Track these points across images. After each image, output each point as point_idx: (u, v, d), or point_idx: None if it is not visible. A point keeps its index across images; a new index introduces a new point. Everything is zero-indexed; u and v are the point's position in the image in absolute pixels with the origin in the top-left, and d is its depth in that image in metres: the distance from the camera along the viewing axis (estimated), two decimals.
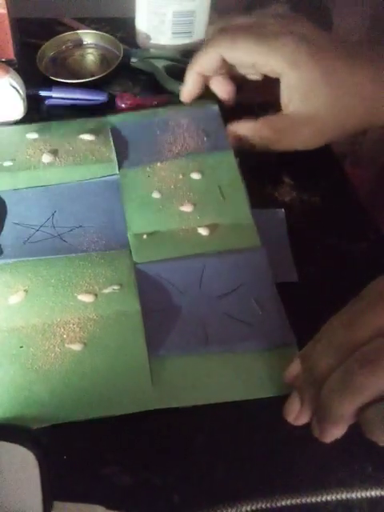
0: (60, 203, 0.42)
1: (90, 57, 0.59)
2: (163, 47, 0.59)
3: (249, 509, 0.29)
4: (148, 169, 0.44)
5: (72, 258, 0.38)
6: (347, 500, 0.29)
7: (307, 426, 0.32)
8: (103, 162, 0.44)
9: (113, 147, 0.45)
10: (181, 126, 0.48)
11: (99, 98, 0.53)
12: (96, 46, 0.59)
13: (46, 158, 0.44)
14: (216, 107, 0.49)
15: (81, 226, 0.41)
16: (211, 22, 0.57)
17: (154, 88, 0.56)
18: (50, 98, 0.53)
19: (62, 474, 0.29)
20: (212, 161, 0.45)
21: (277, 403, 0.33)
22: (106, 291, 0.36)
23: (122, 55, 0.56)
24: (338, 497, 0.29)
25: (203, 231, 0.40)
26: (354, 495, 0.29)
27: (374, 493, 0.29)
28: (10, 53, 0.55)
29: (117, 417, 0.32)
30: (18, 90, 0.47)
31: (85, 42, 0.59)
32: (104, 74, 0.55)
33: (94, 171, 0.44)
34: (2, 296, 0.36)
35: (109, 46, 0.59)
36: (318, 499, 0.29)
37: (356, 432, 0.32)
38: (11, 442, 0.28)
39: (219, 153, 0.45)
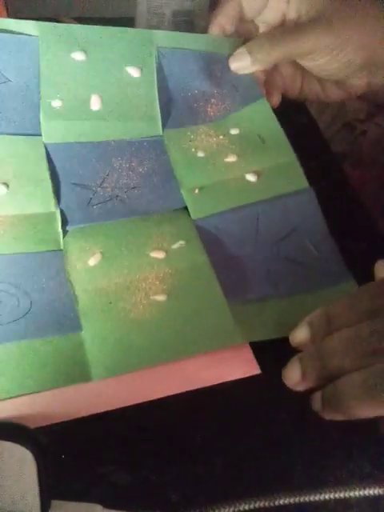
0: (111, 162, 0.42)
1: None
2: None
3: (247, 507, 0.28)
4: (189, 133, 0.45)
5: (136, 219, 0.40)
6: (346, 498, 0.29)
7: (307, 425, 0.32)
8: (148, 120, 0.44)
9: (157, 98, 0.44)
10: (215, 74, 0.46)
11: None
12: None
13: (95, 105, 0.42)
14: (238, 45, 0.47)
15: (135, 188, 0.41)
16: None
17: None
18: None
19: (60, 473, 0.29)
20: (247, 114, 0.46)
21: (276, 402, 0.33)
22: (174, 247, 0.38)
23: None
24: (337, 495, 0.29)
25: (251, 177, 0.42)
26: (352, 494, 0.29)
27: (372, 491, 0.29)
28: None
29: (115, 416, 0.32)
30: None
31: None
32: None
33: (140, 130, 0.44)
34: (81, 259, 0.37)
35: None
36: (317, 498, 0.29)
37: (355, 431, 0.32)
38: (9, 440, 0.28)
39: (253, 104, 0.46)
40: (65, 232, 0.38)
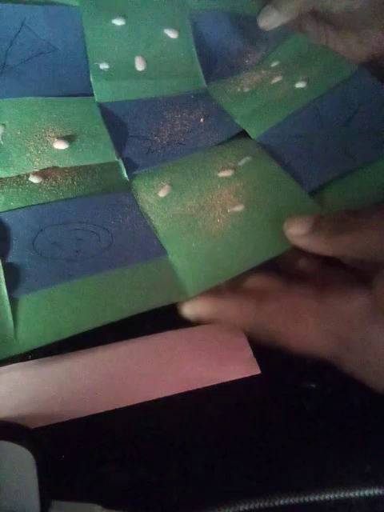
0: (163, 115, 0.44)
1: None
2: None
3: (247, 508, 0.28)
4: (231, 81, 0.47)
5: (199, 153, 0.41)
6: (346, 499, 0.29)
7: (307, 425, 0.32)
8: (191, 76, 0.46)
9: (196, 54, 0.46)
10: (247, 32, 0.49)
11: None
12: None
13: (139, 65, 0.44)
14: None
15: (190, 131, 0.43)
16: None
17: None
18: None
19: (60, 473, 0.29)
20: (283, 48, 0.48)
21: (276, 402, 0.33)
22: (241, 163, 0.39)
23: None
24: (338, 496, 0.29)
25: (301, 84, 0.43)
26: (353, 494, 0.29)
27: (373, 492, 0.29)
28: None
29: (115, 416, 0.32)
30: None
31: None
32: None
33: (184, 86, 0.46)
34: (152, 193, 0.38)
35: None
36: (317, 498, 0.29)
37: (355, 431, 0.32)
38: (9, 440, 0.28)
39: (287, 40, 0.48)
40: (130, 177, 0.40)
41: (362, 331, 0.27)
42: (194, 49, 0.46)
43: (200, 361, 0.34)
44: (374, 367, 0.28)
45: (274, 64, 0.47)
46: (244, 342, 0.35)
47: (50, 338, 0.31)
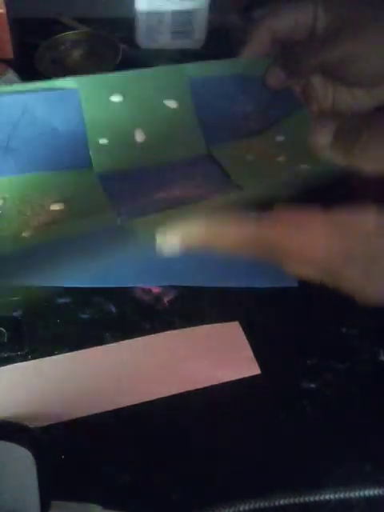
0: (164, 175, 0.44)
1: (89, 56, 0.59)
2: (162, 47, 0.59)
3: (248, 507, 0.28)
4: (234, 146, 0.46)
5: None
6: (346, 499, 0.29)
7: (307, 425, 0.32)
8: (192, 142, 0.45)
9: (198, 126, 0.46)
10: (251, 94, 0.48)
11: None
12: (95, 46, 0.59)
13: (139, 137, 0.44)
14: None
15: (192, 189, 0.42)
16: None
17: None
18: None
19: (60, 473, 0.29)
20: (290, 122, 0.46)
21: (276, 402, 0.33)
22: None
23: (121, 55, 0.56)
24: (337, 496, 0.29)
25: (304, 166, 0.42)
26: (352, 494, 0.29)
27: (372, 492, 0.29)
28: (8, 52, 0.55)
29: (115, 416, 0.32)
30: None
31: (84, 42, 0.59)
32: (103, 73, 0.55)
33: (186, 151, 0.45)
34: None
35: (108, 46, 0.59)
36: (317, 498, 0.29)
37: (355, 431, 0.32)
38: (9, 441, 0.28)
39: (294, 114, 0.47)
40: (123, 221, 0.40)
41: (367, 244, 0.27)
42: (194, 116, 0.46)
43: (200, 361, 0.34)
44: (375, 280, 0.28)
45: (279, 138, 0.46)
46: (244, 342, 0.35)
47: None
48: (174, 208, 0.39)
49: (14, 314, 0.37)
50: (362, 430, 0.32)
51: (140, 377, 0.33)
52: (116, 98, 0.45)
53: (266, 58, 0.48)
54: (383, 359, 0.35)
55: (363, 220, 0.27)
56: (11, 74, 0.47)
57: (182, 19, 0.58)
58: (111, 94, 0.45)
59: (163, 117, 0.46)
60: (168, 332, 0.36)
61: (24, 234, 0.38)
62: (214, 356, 0.35)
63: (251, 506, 0.29)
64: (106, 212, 0.39)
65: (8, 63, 0.52)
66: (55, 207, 0.40)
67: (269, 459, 0.31)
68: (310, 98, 0.49)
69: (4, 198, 0.41)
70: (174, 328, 0.36)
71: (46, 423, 0.31)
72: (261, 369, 0.34)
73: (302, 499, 0.29)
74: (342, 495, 0.29)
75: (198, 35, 0.60)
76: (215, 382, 0.33)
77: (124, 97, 0.45)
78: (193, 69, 0.47)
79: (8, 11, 0.52)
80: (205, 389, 0.33)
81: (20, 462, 0.28)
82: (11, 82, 0.47)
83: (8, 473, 0.28)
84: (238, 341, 0.35)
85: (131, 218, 0.39)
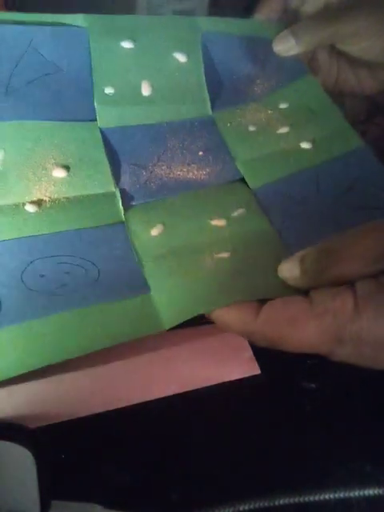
0: (165, 142, 0.43)
1: None
2: None
3: (247, 507, 0.28)
4: (238, 111, 0.46)
5: (195, 192, 0.41)
6: (346, 499, 0.29)
7: (307, 425, 0.32)
8: (197, 102, 0.45)
9: (204, 80, 0.45)
10: (259, 54, 0.48)
11: None
12: None
13: (145, 90, 0.44)
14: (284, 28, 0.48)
15: (190, 164, 0.42)
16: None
17: None
18: None
19: (60, 473, 0.29)
20: (295, 89, 0.47)
21: (276, 402, 0.33)
22: (234, 214, 0.39)
23: None
24: (337, 495, 0.29)
25: (306, 145, 0.43)
26: (352, 494, 0.29)
27: (372, 492, 0.29)
28: None
29: (115, 416, 0.32)
30: None
31: None
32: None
33: (190, 112, 0.45)
34: (144, 230, 0.38)
35: None
36: (317, 498, 0.29)
37: (355, 431, 0.32)
38: (8, 440, 0.28)
39: (299, 80, 0.47)
40: (126, 209, 0.39)
41: (352, 326, 0.28)
42: (202, 73, 0.46)
43: (200, 361, 0.34)
44: (368, 356, 0.28)
45: (283, 106, 0.46)
46: (244, 342, 0.35)
47: (24, 368, 0.31)
48: (174, 195, 0.40)
49: None
50: (362, 429, 0.32)
51: (140, 377, 0.33)
52: (126, 45, 0.44)
53: (278, 22, 0.48)
54: None
55: (341, 302, 0.28)
56: None
57: None
58: (122, 39, 0.44)
59: (171, 70, 0.45)
60: (168, 331, 0.36)
61: (27, 208, 0.38)
62: (214, 356, 0.35)
63: (251, 506, 0.29)
64: (110, 195, 0.39)
65: None
66: (58, 174, 0.39)
67: (269, 459, 0.31)
68: (314, 73, 0.49)
69: (4, 149, 0.39)
70: (174, 328, 0.36)
71: (45, 423, 0.31)
72: (261, 369, 0.34)
73: (301, 499, 0.29)
74: (341, 495, 0.29)
75: None
76: (215, 382, 0.33)
77: (134, 43, 0.44)
78: (205, 23, 0.47)
79: (8, 11, 0.52)
80: (205, 389, 0.33)
81: (20, 462, 0.28)
82: None
83: (8, 473, 0.28)
84: (238, 341, 0.35)
85: (132, 204, 0.39)
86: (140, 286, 0.35)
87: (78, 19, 0.44)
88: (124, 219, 0.39)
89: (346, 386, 0.34)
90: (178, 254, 0.36)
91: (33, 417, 0.31)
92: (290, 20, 0.48)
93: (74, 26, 0.43)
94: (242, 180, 0.42)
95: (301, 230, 0.38)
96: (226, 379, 0.34)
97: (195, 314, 0.32)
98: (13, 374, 0.31)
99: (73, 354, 0.31)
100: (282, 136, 0.44)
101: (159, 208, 0.40)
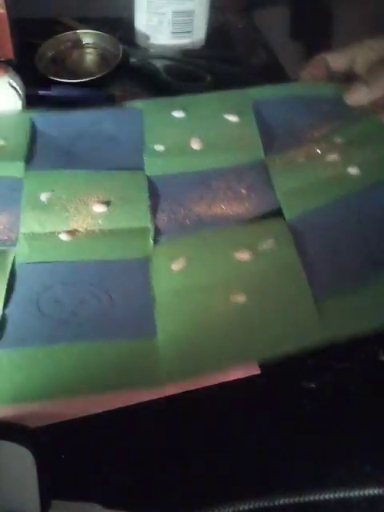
0: (210, 184, 0.43)
1: (89, 56, 0.59)
2: (162, 47, 0.59)
3: (247, 507, 0.28)
4: (292, 152, 0.45)
5: (227, 227, 0.40)
6: (346, 499, 0.29)
7: (307, 425, 0.32)
8: (250, 148, 0.45)
9: (257, 131, 0.46)
10: (316, 108, 0.48)
11: (98, 97, 0.53)
12: (95, 46, 0.59)
13: (195, 144, 0.45)
14: (337, 88, 0.49)
15: (232, 201, 0.42)
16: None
17: (153, 88, 0.56)
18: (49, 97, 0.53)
19: (60, 473, 0.29)
20: (354, 128, 0.46)
21: (276, 402, 0.33)
22: (262, 247, 0.38)
23: (121, 55, 0.56)
24: (337, 495, 0.29)
25: (353, 170, 0.42)
26: (352, 494, 0.29)
27: (372, 492, 0.29)
28: (9, 52, 0.55)
29: (114, 416, 0.32)
30: (17, 90, 0.47)
31: (84, 42, 0.59)
32: (103, 73, 0.55)
33: (241, 157, 0.45)
34: (166, 264, 0.38)
35: (108, 46, 0.59)
36: (317, 498, 0.29)
37: (355, 431, 0.32)
38: (9, 440, 0.28)
39: (360, 121, 0.47)
40: (155, 243, 0.39)
41: None
42: (255, 127, 0.46)
43: None
44: None
45: (338, 140, 0.45)
46: None
47: (14, 399, 0.31)
48: (208, 231, 0.40)
49: None
50: (362, 429, 0.32)
51: None
52: (177, 114, 0.47)
53: (328, 82, 0.50)
54: (383, 359, 0.35)
55: None
56: (11, 74, 0.47)
57: (182, 19, 0.58)
58: (173, 110, 0.47)
59: (223, 127, 0.46)
60: None
61: (61, 236, 0.39)
62: None
63: (251, 506, 0.29)
64: (144, 230, 0.39)
65: (8, 63, 0.52)
66: (98, 209, 0.40)
67: (269, 459, 0.31)
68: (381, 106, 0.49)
69: (52, 191, 0.41)
70: None
71: (45, 423, 0.31)
72: (261, 369, 0.34)
73: (302, 499, 0.29)
74: (341, 495, 0.29)
75: (198, 35, 0.60)
76: (215, 382, 0.33)
77: (185, 113, 0.47)
78: (256, 92, 0.49)
79: (8, 11, 0.52)
80: (205, 389, 0.33)
81: (20, 462, 0.28)
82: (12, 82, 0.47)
83: (8, 473, 0.27)
84: None
85: (163, 239, 0.39)
86: (148, 327, 0.34)
87: (135, 103, 0.48)
88: (151, 254, 0.38)
89: (346, 386, 0.34)
90: (192, 292, 0.36)
91: (33, 417, 0.31)
92: (339, 80, 0.50)
93: (131, 107, 0.48)
94: (279, 211, 0.40)
95: (331, 266, 0.36)
96: (226, 379, 0.33)
97: (196, 375, 0.32)
98: (2, 401, 0.31)
99: (64, 395, 0.31)
100: (329, 163, 0.43)
101: (187, 242, 0.39)
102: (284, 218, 0.40)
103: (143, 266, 0.38)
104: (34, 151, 0.45)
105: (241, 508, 0.28)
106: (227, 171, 0.44)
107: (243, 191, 0.42)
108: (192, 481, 0.30)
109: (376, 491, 0.29)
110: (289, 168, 0.43)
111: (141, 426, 0.31)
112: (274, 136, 0.46)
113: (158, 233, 0.40)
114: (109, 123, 0.47)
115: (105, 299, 0.36)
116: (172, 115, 0.47)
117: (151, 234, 0.39)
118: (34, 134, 0.46)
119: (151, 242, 0.39)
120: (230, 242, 0.38)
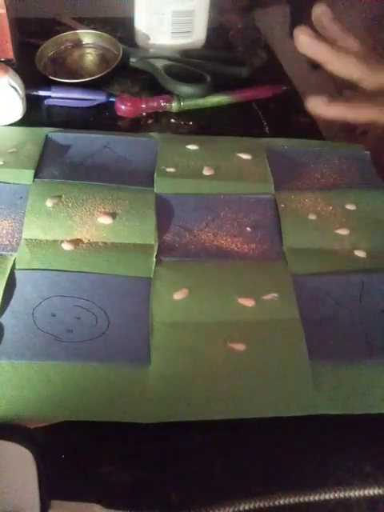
0: (218, 211, 0.44)
1: (89, 57, 0.59)
2: (162, 47, 0.59)
3: (247, 507, 0.28)
4: (301, 196, 0.45)
5: (233, 264, 0.39)
6: (346, 499, 0.29)
7: (307, 425, 0.32)
8: (260, 181, 0.46)
9: (269, 168, 0.47)
10: (333, 162, 0.49)
11: (98, 97, 0.53)
12: (95, 46, 0.59)
13: (207, 171, 0.46)
14: (367, 153, 0.51)
15: (236, 236, 0.42)
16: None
17: (153, 88, 0.56)
18: (49, 97, 0.53)
19: (60, 473, 0.29)
20: (367, 196, 0.46)
21: None
22: (265, 297, 0.37)
23: (121, 55, 0.56)
24: (337, 495, 0.29)
25: (360, 253, 0.41)
26: (352, 494, 0.29)
27: (372, 492, 0.29)
28: (9, 52, 0.55)
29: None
30: (17, 90, 0.47)
31: (84, 42, 0.59)
32: (103, 73, 0.55)
33: (251, 188, 0.45)
34: (168, 292, 0.37)
35: (108, 46, 0.59)
36: (317, 498, 0.29)
37: (355, 431, 0.32)
38: (8, 440, 0.28)
39: (374, 190, 0.47)
40: (157, 263, 0.39)
41: None
42: (267, 165, 0.47)
43: None
44: None
45: (350, 207, 0.44)
46: None
47: (2, 414, 0.30)
48: (211, 261, 0.39)
49: None
50: (362, 429, 0.32)
51: None
52: (192, 147, 0.48)
53: (343, 143, 0.52)
54: None
55: None
56: (11, 74, 0.47)
57: (182, 19, 0.58)
58: (188, 143, 0.49)
59: (235, 163, 0.47)
60: None
61: (63, 245, 0.39)
62: None
63: (251, 506, 0.28)
64: (147, 247, 0.39)
65: (8, 63, 0.52)
66: (103, 220, 0.40)
67: (268, 458, 0.31)
68: None
69: (59, 197, 0.42)
70: None
71: (45, 423, 0.31)
72: None
73: (301, 499, 0.29)
74: (341, 495, 0.29)
75: (198, 35, 0.60)
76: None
77: (200, 146, 0.48)
78: (270, 142, 0.50)
79: (8, 11, 0.52)
80: None
81: (19, 462, 0.28)
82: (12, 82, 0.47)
83: (7, 472, 0.27)
84: None
85: (165, 260, 0.39)
86: (142, 355, 0.34)
87: (151, 135, 0.50)
88: (152, 274, 0.38)
89: None
90: (191, 329, 0.35)
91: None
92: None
93: (147, 136, 0.50)
94: (284, 264, 0.40)
95: (327, 336, 0.35)
96: None
97: (185, 419, 0.31)
98: None
99: (51, 418, 0.31)
100: (338, 237, 0.42)
101: (190, 270, 0.39)
102: (289, 273, 0.39)
103: (144, 287, 0.37)
104: (44, 163, 0.45)
105: (241, 508, 0.28)
106: (236, 200, 0.44)
107: (248, 229, 0.42)
108: (192, 481, 0.30)
109: (376, 491, 0.29)
110: (298, 222, 0.43)
111: (141, 426, 0.31)
112: (284, 174, 0.47)
113: (161, 252, 0.39)
114: (122, 146, 0.48)
115: (101, 319, 0.35)
116: (186, 147, 0.48)
117: (154, 252, 0.39)
118: (46, 147, 0.47)
119: (154, 260, 0.39)
120: (234, 284, 0.38)
